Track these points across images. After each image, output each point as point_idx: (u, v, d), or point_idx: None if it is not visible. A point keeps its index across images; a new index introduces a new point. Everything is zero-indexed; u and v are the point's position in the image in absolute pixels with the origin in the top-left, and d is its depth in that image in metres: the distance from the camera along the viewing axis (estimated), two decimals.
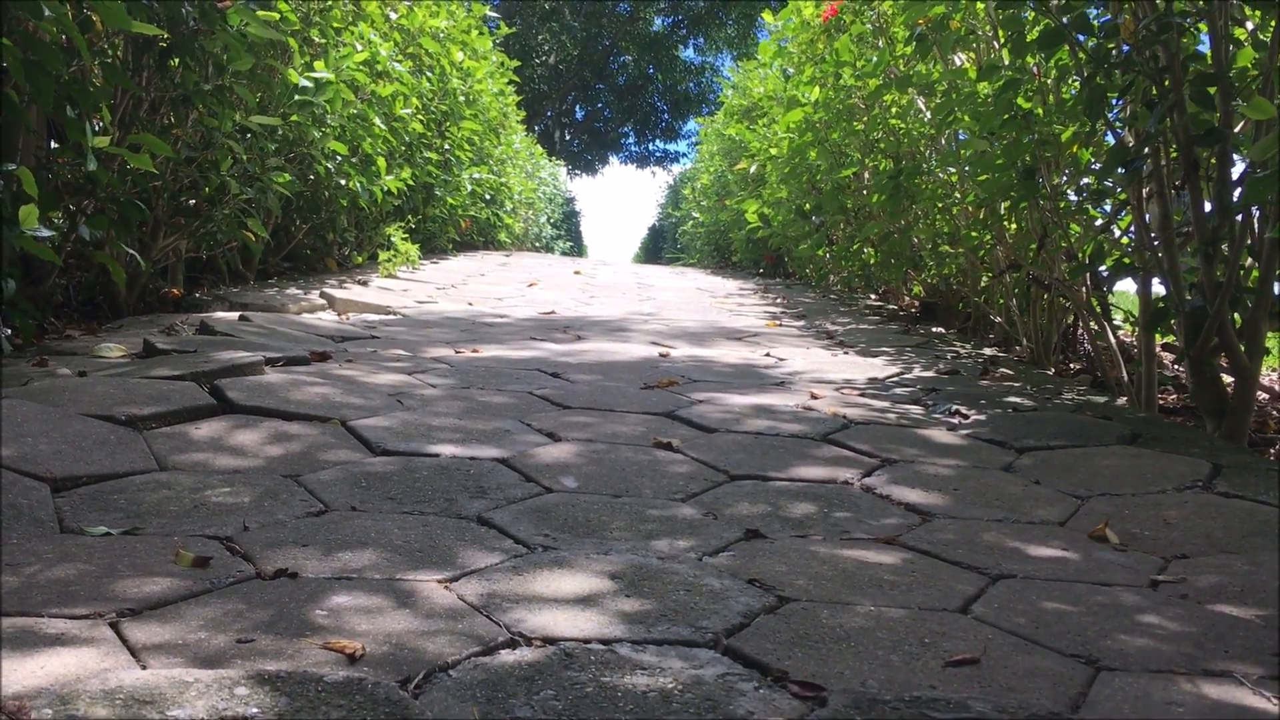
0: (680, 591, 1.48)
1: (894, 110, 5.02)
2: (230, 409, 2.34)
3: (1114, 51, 2.90)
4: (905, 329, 4.93)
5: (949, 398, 3.12)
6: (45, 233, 2.50)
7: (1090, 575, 1.67)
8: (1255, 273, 2.92)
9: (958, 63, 4.63)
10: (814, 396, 3.04)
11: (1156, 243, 3.07)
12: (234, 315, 3.85)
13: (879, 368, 3.69)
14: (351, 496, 1.87)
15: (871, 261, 5.60)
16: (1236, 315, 2.91)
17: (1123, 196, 3.35)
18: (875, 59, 4.83)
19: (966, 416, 2.88)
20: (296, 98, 4.42)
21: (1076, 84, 3.47)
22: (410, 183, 6.57)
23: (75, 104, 2.83)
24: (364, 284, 5.46)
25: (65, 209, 3.20)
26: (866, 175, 5.50)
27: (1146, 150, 2.92)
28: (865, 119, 5.24)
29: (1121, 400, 3.32)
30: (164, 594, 1.36)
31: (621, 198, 78.76)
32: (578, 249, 27.44)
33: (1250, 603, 1.56)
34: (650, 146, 36.80)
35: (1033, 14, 3.24)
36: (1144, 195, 3.13)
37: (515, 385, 2.96)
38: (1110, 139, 3.31)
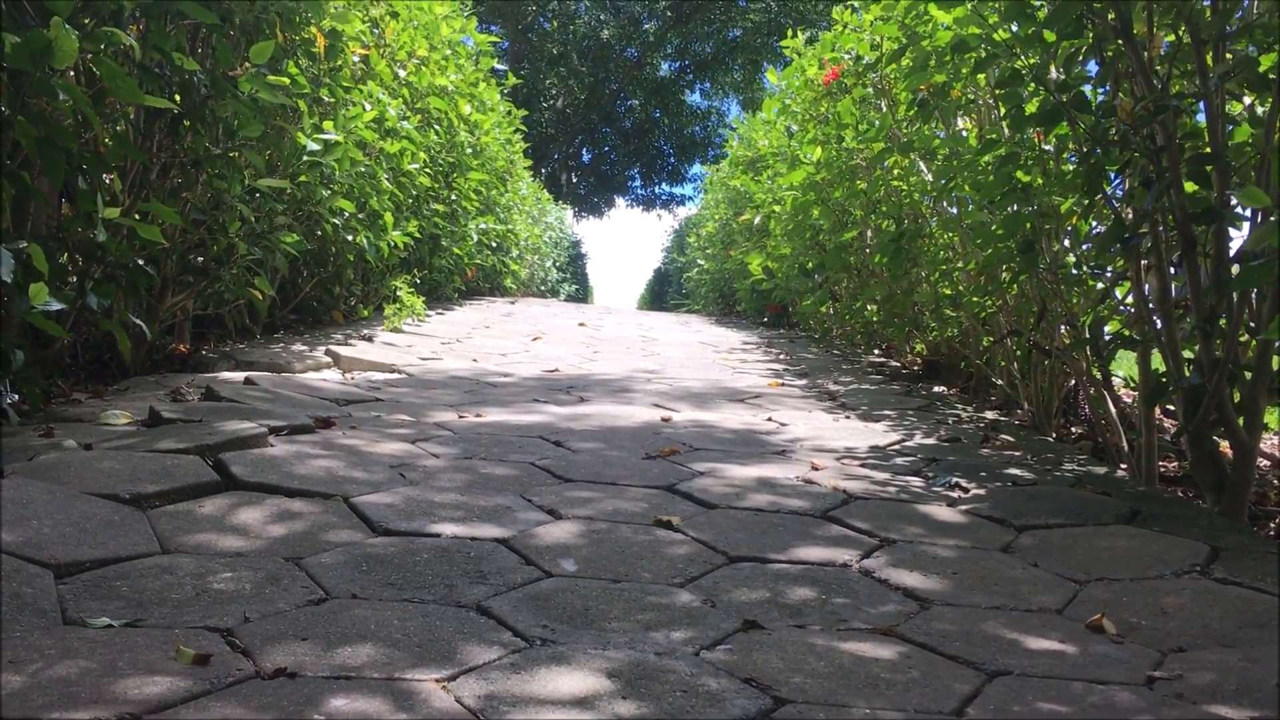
0: (677, 693, 1.49)
1: (896, 171, 5.07)
2: (234, 485, 2.36)
3: (1112, 130, 2.94)
4: (907, 389, 4.95)
5: (949, 468, 3.13)
6: (55, 306, 2.53)
7: (1087, 671, 1.68)
8: (1253, 346, 2.94)
9: (959, 125, 4.69)
10: (815, 467, 3.05)
11: (1155, 316, 3.10)
12: (240, 377, 3.88)
13: (880, 434, 3.71)
14: (352, 582, 1.88)
15: (874, 319, 5.63)
16: (1235, 391, 2.93)
17: (1120, 265, 3.38)
18: (877, 122, 4.89)
19: (966, 490, 2.89)
20: (305, 159, 4.47)
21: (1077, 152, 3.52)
22: (417, 235, 6.64)
23: (87, 174, 2.88)
24: (369, 339, 5.49)
25: (75, 271, 3.24)
26: (869, 234, 5.54)
27: (1144, 227, 2.95)
28: (867, 179, 5.29)
29: (1122, 470, 3.33)
30: (164, 695, 1.37)
31: (628, 240, 79.19)
32: (583, 291, 27.56)
33: (1245, 703, 1.56)
34: (656, 189, 37.10)
35: (1032, 85, 3.28)
36: (1142, 267, 3.16)
37: (518, 455, 2.98)
38: (1109, 207, 3.34)
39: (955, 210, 4.55)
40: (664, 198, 36.70)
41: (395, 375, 4.58)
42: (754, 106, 35.26)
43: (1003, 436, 3.73)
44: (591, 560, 2.09)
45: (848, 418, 4.07)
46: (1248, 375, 2.88)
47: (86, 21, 2.94)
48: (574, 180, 36.56)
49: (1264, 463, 4.00)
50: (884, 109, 5.38)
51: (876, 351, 6.64)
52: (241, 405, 3.23)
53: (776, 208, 6.18)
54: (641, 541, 2.23)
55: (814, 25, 30.72)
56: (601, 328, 7.89)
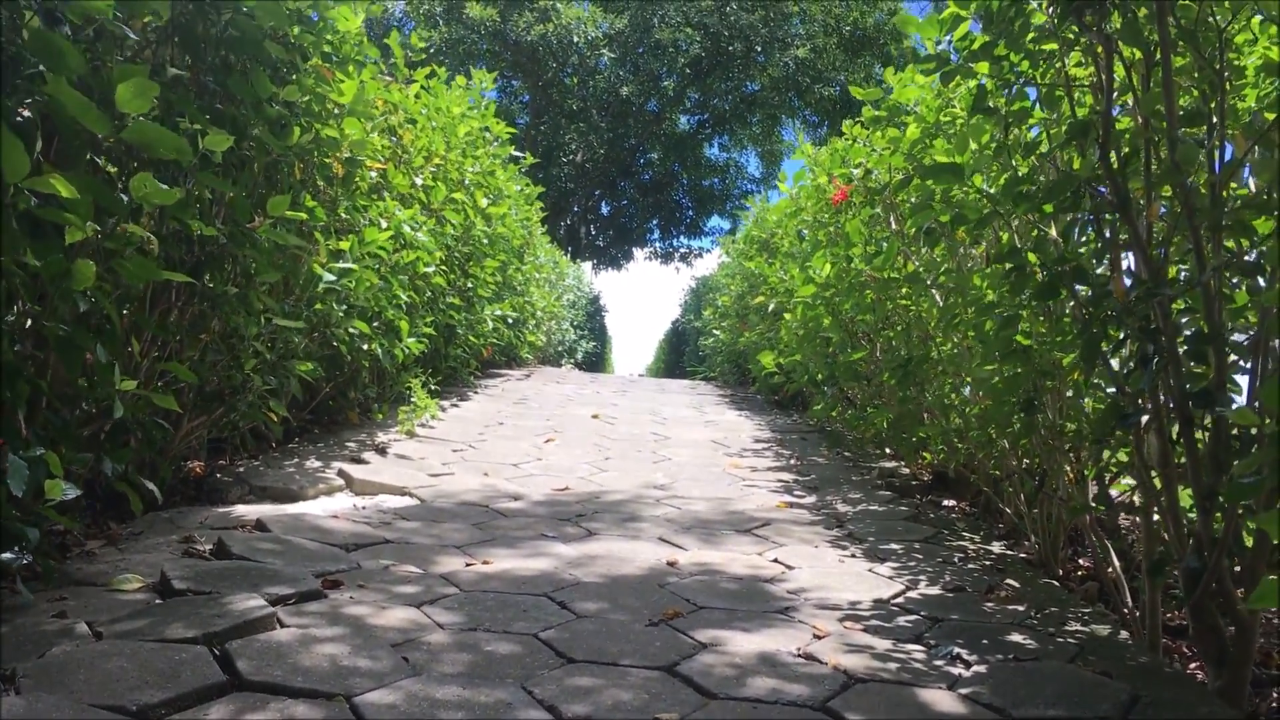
0: None
1: (904, 290, 5.12)
2: (240, 684, 2.40)
3: (1109, 307, 2.98)
4: (915, 510, 4.96)
5: (952, 633, 3.15)
6: (72, 494, 2.60)
7: None
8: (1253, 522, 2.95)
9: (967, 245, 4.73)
10: (817, 634, 3.07)
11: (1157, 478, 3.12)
12: (253, 515, 3.94)
13: (885, 580, 3.73)
14: None
15: (883, 429, 5.66)
16: (1235, 562, 2.94)
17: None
18: (885, 244, 4.95)
19: (968, 665, 2.90)
20: (321, 287, 4.56)
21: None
22: (432, 332, 6.73)
23: (105, 347, 2.96)
24: (382, 451, 5.55)
25: (89, 434, 3.31)
26: (879, 348, 5.59)
27: (1143, 399, 2.98)
28: (876, 293, 5.33)
29: (1124, 632, 3.33)
30: None
31: (646, 291, 79.76)
32: (602, 345, 27.68)
33: None
34: (675, 242, 37.38)
35: (1032, 256, 3.33)
36: (1142, 431, 3.19)
37: (522, 623, 3.01)
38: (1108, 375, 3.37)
39: (960, 337, 4.58)
40: (682, 251, 36.97)
41: (406, 501, 4.63)
42: (772, 160, 35.65)
43: (1008, 582, 3.75)
44: None
45: (853, 555, 4.09)
46: (1248, 543, 2.90)
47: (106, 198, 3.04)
48: (593, 233, 36.88)
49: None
50: (893, 224, 5.44)
51: (888, 451, 6.65)
52: (251, 564, 3.28)
53: (788, 315, 6.24)
54: None
55: (830, 84, 31.09)
56: (615, 421, 7.93)
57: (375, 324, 5.58)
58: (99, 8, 2.47)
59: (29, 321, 2.79)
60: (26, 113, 2.56)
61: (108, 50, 2.92)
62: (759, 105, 32.87)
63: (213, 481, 4.48)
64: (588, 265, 33.53)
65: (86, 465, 3.18)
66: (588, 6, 30.60)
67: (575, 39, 30.33)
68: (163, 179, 3.22)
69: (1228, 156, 3.07)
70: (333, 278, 4.52)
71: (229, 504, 4.24)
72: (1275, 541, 2.66)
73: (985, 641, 3.09)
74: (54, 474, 2.45)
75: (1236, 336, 3.09)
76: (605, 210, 37.28)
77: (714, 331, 14.03)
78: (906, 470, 6.00)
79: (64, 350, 2.51)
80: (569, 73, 32.12)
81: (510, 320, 11.04)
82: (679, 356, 24.80)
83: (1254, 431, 2.72)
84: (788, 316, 6.23)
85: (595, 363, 25.03)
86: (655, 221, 37.23)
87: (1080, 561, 4.34)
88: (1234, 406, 2.61)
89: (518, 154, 9.62)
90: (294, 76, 4.09)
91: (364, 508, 4.44)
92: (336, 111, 4.77)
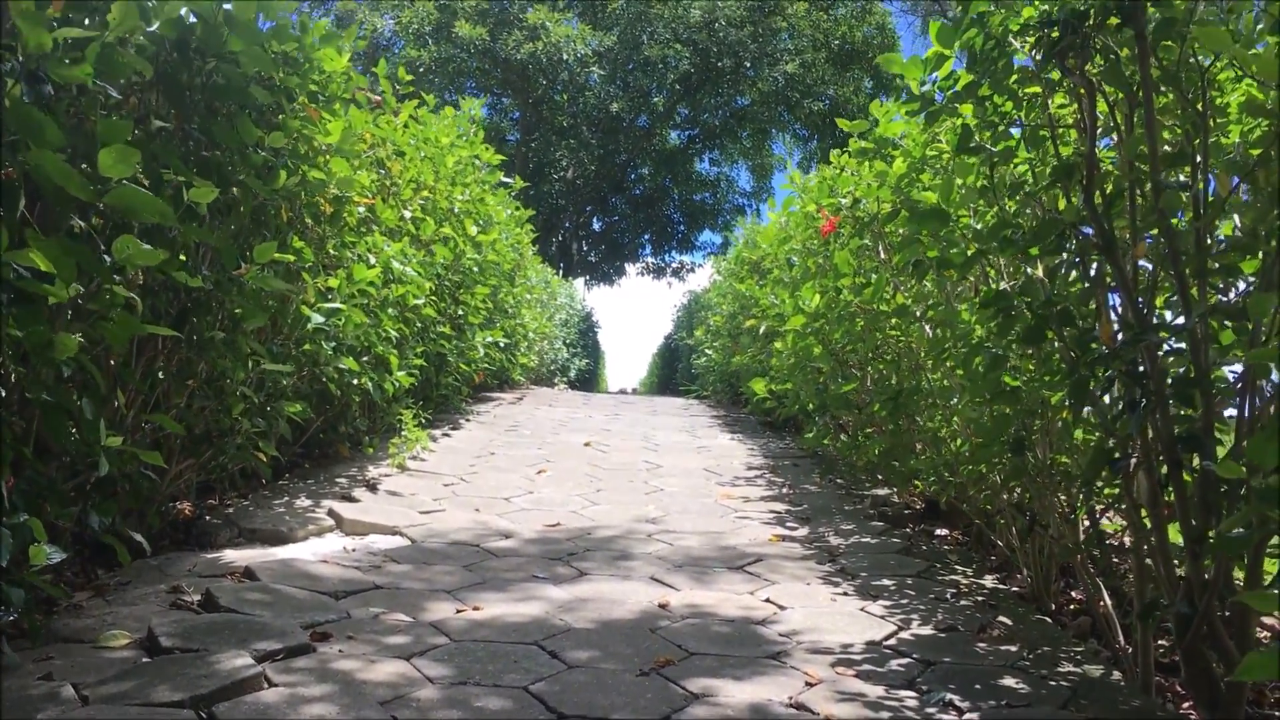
0: None
1: (894, 321, 5.12)
2: None
3: (1096, 350, 2.98)
4: (908, 543, 4.95)
5: (944, 678, 3.14)
6: (57, 557, 2.58)
7: None
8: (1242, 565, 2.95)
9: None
10: (809, 681, 3.06)
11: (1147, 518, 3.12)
12: (241, 562, 3.92)
13: (877, 620, 3.71)
14: None
15: (875, 456, 5.65)
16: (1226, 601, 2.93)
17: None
18: (874, 276, 4.95)
19: (961, 712, 2.89)
20: (310, 327, 4.55)
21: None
22: (422, 362, 6.71)
23: (90, 395, 2.94)
24: (373, 487, 5.53)
25: (75, 487, 3.29)
26: (869, 378, 5.59)
27: (1131, 442, 2.98)
28: (865, 322, 5.33)
29: (1118, 671, 3.32)
30: None
31: (639, 306, 79.81)
32: (595, 362, 27.68)
33: None
34: (667, 257, 37.41)
35: (1018, 298, 3.33)
36: (1131, 471, 3.18)
37: (513, 674, 2.99)
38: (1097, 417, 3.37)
39: (949, 365, 4.58)
40: (674, 265, 37.00)
41: (397, 541, 4.61)
42: (763, 173, 35.75)
43: (1000, 620, 3.74)
44: None
45: (845, 593, 4.07)
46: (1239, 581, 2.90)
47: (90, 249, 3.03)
48: (584, 249, 36.91)
49: (1264, 634, 3.98)
50: (881, 254, 5.45)
51: (879, 478, 6.64)
52: (239, 617, 3.26)
53: (779, 344, 6.25)
54: None
55: (819, 98, 31.19)
56: (608, 449, 7.91)
57: (365, 358, 5.56)
58: (78, 76, 2.47)
59: (12, 378, 2.79)
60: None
61: (90, 106, 2.92)
62: (749, 120, 33.01)
63: (202, 524, 4.45)
64: (580, 282, 33.55)
65: (72, 518, 3.16)
66: (577, 24, 30.67)
67: (565, 56, 30.40)
68: (147, 231, 3.21)
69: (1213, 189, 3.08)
70: (321, 319, 4.51)
71: (218, 548, 4.22)
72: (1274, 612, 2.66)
73: (978, 686, 3.08)
74: (38, 539, 2.43)
75: (1224, 369, 3.10)
76: (597, 226, 37.35)
77: (706, 351, 14.03)
78: (899, 499, 5.99)
79: (49, 414, 2.50)
80: (559, 90, 32.17)
81: (502, 345, 11.04)
82: (672, 372, 24.80)
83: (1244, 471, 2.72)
84: (779, 345, 6.24)
85: (589, 380, 25.02)
86: (647, 236, 37.30)
87: (1073, 594, 4.33)
88: (1220, 454, 2.60)
89: (506, 179, 9.62)
90: (279, 118, 4.09)
91: (354, 550, 4.41)
92: (324, 149, 4.77)
